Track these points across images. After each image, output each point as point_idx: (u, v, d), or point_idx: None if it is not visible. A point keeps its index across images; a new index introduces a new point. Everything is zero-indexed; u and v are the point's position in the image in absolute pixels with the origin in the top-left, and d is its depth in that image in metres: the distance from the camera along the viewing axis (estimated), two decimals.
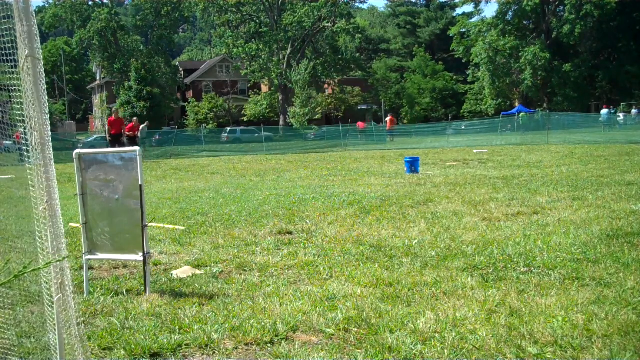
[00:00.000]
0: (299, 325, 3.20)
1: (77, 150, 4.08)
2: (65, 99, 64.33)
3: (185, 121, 55.77)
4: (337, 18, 50.97)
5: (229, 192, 9.89)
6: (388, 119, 35.78)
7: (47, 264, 1.87)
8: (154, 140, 32.31)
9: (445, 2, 75.63)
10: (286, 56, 51.90)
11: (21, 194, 10.48)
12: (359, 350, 2.86)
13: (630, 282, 3.69)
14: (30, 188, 2.17)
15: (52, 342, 2.23)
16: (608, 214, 6.21)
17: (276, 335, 3.06)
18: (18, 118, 2.22)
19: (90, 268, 4.64)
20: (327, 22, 51.02)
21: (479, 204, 7.30)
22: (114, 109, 24.43)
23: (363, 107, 61.19)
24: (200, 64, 69.65)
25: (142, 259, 3.88)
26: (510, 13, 54.75)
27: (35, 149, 2.10)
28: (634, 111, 37.87)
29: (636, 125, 32.49)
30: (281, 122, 51.17)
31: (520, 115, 39.48)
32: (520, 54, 51.76)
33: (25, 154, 2.17)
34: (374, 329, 3.08)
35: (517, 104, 52.15)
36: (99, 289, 4.07)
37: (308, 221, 6.56)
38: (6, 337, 2.59)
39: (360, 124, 39.89)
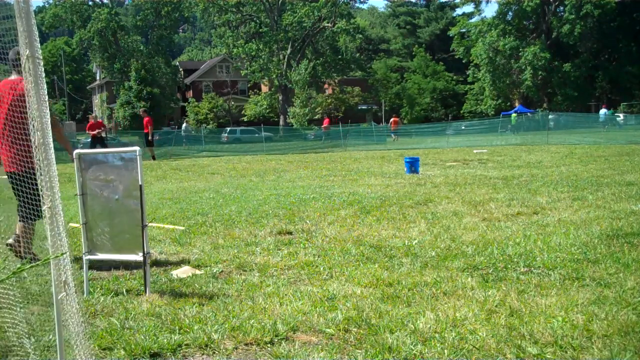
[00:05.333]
0: (299, 325, 3.20)
1: (77, 150, 4.08)
2: (65, 99, 64.33)
3: (185, 121, 55.76)
4: (337, 18, 50.98)
5: (229, 192, 9.88)
6: (392, 119, 37.86)
7: (45, 260, 1.87)
8: (153, 140, 32.27)
9: (445, 2, 75.68)
10: (286, 56, 51.91)
11: None
12: (359, 350, 2.86)
13: (630, 282, 3.69)
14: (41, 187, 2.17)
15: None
16: (608, 214, 6.21)
17: (276, 335, 3.05)
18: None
19: (90, 268, 4.64)
20: (327, 22, 51.03)
21: (479, 204, 7.30)
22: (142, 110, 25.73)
23: (363, 107, 61.20)
24: (200, 64, 69.70)
25: (142, 259, 3.88)
26: (510, 13, 54.78)
27: (38, 149, 2.10)
28: (622, 115, 38.05)
29: (636, 126, 32.50)
30: (281, 122, 51.19)
31: (513, 116, 39.44)
32: (520, 54, 51.78)
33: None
34: (374, 329, 3.08)
35: (517, 104, 52.17)
36: (99, 289, 4.07)
37: (308, 221, 6.56)
38: (6, 337, 2.60)
39: (325, 122, 37.92)
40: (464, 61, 60.23)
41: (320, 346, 2.92)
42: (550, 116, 35.73)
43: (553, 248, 4.72)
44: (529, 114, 43.20)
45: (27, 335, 2.97)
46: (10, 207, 8.83)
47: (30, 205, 3.96)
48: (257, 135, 35.48)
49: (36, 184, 3.96)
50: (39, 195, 2.98)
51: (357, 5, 67.80)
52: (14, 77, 4.86)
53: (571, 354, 2.71)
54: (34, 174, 4.00)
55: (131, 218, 3.91)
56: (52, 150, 2.14)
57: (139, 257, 3.90)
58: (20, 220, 4.78)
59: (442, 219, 6.35)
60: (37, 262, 1.91)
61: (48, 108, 2.13)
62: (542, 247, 4.78)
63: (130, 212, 3.92)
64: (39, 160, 2.10)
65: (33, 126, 2.08)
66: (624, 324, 2.98)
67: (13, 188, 4.55)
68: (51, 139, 2.14)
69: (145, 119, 21.24)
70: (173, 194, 10.09)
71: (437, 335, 2.97)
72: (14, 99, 4.62)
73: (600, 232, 5.25)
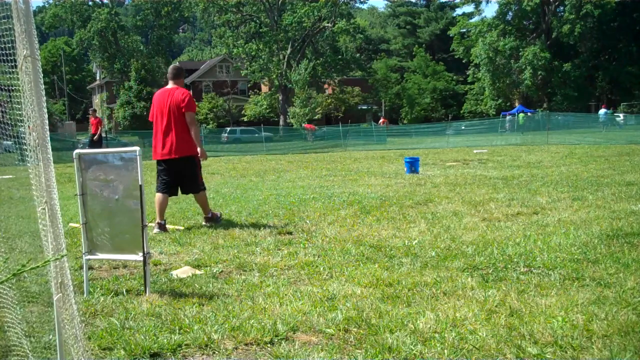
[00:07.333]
0: (299, 325, 3.20)
1: (77, 150, 4.08)
2: (65, 99, 64.33)
3: None
4: (337, 18, 50.98)
5: (229, 192, 9.89)
6: (381, 121, 43.11)
7: (45, 262, 1.87)
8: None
9: (445, 2, 75.70)
10: (286, 56, 51.90)
11: (21, 194, 10.49)
12: (359, 350, 2.86)
13: (630, 282, 3.69)
14: (33, 188, 2.17)
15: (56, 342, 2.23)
16: (608, 214, 6.21)
17: (276, 335, 3.05)
18: (18, 118, 2.22)
19: (90, 268, 4.63)
20: (327, 22, 51.02)
21: (479, 204, 7.30)
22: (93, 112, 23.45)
23: (363, 107, 61.19)
24: (200, 64, 69.64)
25: (142, 259, 3.88)
26: (510, 13, 54.78)
27: (35, 149, 2.10)
28: (621, 115, 38.12)
29: (636, 126, 32.50)
30: (281, 122, 51.18)
31: (520, 115, 39.57)
32: (520, 54, 51.77)
33: (26, 153, 2.17)
34: (374, 329, 3.08)
35: (517, 104, 52.19)
36: (99, 289, 4.06)
37: (308, 221, 6.56)
38: (6, 336, 2.60)
39: (307, 126, 39.68)
40: (464, 61, 60.22)
41: (320, 346, 2.92)
42: (507, 117, 36.07)
43: (553, 248, 4.72)
44: (529, 113, 43.24)
45: (26, 335, 2.97)
46: (9, 207, 8.83)
47: (183, 183, 6.45)
48: (257, 135, 35.48)
49: (190, 167, 6.36)
50: (195, 175, 6.45)
51: (357, 5, 67.59)
52: (170, 86, 6.40)
53: (571, 354, 2.71)
54: (194, 160, 6.36)
55: (131, 218, 3.91)
56: (50, 151, 2.14)
57: (139, 257, 3.90)
58: (195, 193, 6.53)
59: (442, 219, 6.35)
60: (37, 265, 1.91)
61: (46, 109, 2.13)
62: (542, 247, 4.78)
63: (130, 212, 3.91)
64: (37, 160, 2.10)
65: (29, 127, 2.07)
66: (624, 324, 2.98)
67: (165, 170, 6.34)
68: (49, 139, 2.14)
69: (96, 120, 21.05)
70: None
71: (437, 335, 2.96)
72: (174, 103, 6.25)
73: (600, 232, 5.25)
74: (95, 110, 22.68)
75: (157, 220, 6.24)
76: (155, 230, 6.13)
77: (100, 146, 19.84)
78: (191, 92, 6.22)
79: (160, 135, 6.33)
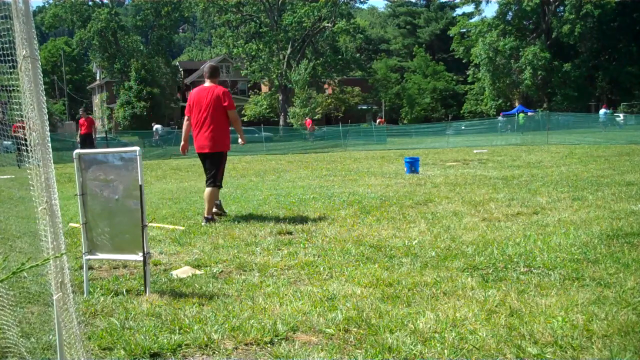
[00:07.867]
0: (299, 325, 3.20)
1: (77, 150, 4.08)
2: (65, 99, 64.31)
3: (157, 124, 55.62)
4: (337, 18, 50.97)
5: (228, 192, 9.89)
6: (379, 121, 46.41)
7: (44, 260, 1.87)
8: (153, 140, 32.35)
9: (445, 2, 75.72)
10: (286, 56, 51.89)
11: (21, 194, 10.49)
12: (359, 350, 2.86)
13: (630, 282, 3.69)
14: (31, 188, 2.17)
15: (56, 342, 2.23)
16: (608, 214, 6.21)
17: (276, 335, 3.05)
18: (17, 118, 2.22)
19: (90, 268, 4.63)
20: (327, 22, 51.02)
21: (479, 204, 7.30)
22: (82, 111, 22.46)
23: (363, 107, 61.20)
24: (200, 64, 69.59)
25: (142, 259, 3.88)
26: (510, 13, 54.78)
27: (34, 150, 2.10)
28: (622, 115, 38.13)
29: (636, 126, 32.50)
30: (281, 122, 51.18)
31: (520, 115, 39.59)
32: (520, 54, 51.77)
33: (25, 154, 2.17)
34: (374, 329, 3.08)
35: (517, 104, 52.20)
36: (99, 289, 4.06)
37: (308, 221, 6.56)
38: (6, 337, 2.60)
39: (308, 123, 39.34)
40: (464, 61, 60.22)
41: (320, 346, 2.92)
42: (499, 118, 35.97)
43: (553, 248, 4.72)
44: (529, 113, 43.26)
45: (26, 335, 2.97)
46: (9, 207, 8.83)
47: (219, 175, 6.83)
48: (257, 135, 35.45)
49: (216, 161, 6.78)
50: (218, 170, 6.81)
51: (357, 5, 67.53)
52: (208, 84, 6.80)
53: (571, 354, 2.71)
54: (222, 156, 6.83)
55: (131, 218, 3.91)
56: (50, 150, 2.14)
57: (139, 257, 3.90)
58: (208, 187, 6.78)
59: (442, 219, 6.35)
60: (36, 264, 1.91)
61: (46, 109, 2.13)
62: (542, 247, 4.78)
63: (130, 212, 3.91)
64: (35, 160, 2.10)
65: (29, 127, 2.07)
66: (624, 324, 2.98)
67: (209, 163, 6.81)
68: (49, 139, 2.14)
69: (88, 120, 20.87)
70: (173, 194, 10.09)
71: (437, 335, 2.96)
72: (212, 99, 6.65)
73: (600, 232, 5.25)
74: (85, 110, 22.34)
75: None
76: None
77: (93, 147, 19.79)
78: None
79: (197, 131, 6.81)
